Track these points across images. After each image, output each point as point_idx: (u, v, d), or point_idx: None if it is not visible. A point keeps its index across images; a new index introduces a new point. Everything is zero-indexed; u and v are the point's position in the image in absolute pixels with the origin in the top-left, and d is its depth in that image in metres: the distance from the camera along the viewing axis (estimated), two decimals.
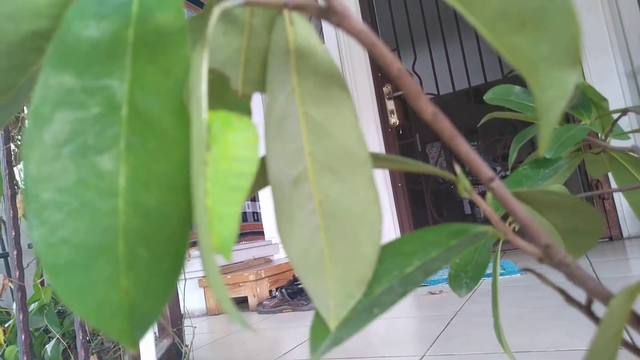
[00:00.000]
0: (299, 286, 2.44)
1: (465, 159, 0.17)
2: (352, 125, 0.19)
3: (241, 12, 0.20)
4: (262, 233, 3.46)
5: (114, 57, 0.15)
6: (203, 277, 2.59)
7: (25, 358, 1.27)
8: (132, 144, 0.15)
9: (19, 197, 1.46)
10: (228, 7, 0.16)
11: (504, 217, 0.28)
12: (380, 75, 3.31)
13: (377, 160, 0.22)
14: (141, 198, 0.15)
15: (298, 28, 0.18)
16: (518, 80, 3.57)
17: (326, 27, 3.32)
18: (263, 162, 0.22)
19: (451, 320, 1.52)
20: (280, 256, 3.23)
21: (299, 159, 0.19)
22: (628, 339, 0.95)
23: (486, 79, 3.74)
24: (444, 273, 2.53)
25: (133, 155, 0.15)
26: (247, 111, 0.22)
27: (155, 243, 0.15)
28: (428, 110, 0.16)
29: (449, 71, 3.67)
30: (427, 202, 3.63)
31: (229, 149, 0.15)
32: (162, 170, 0.15)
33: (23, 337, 1.27)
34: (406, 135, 3.90)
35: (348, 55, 3.30)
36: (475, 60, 3.69)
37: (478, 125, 0.69)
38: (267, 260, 3.08)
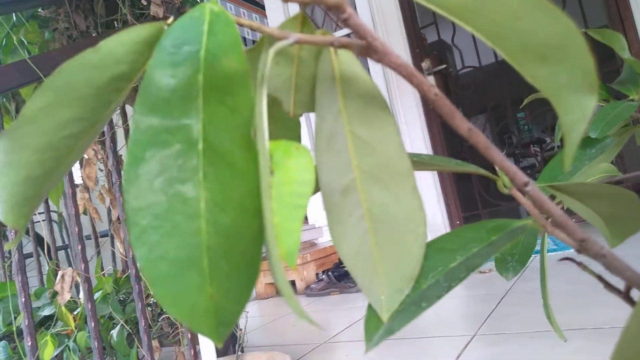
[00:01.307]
0: (345, 269, 2.48)
1: (501, 167, 0.19)
2: (394, 140, 0.21)
3: (291, 47, 0.22)
4: (305, 217, 3.51)
5: (189, 100, 0.18)
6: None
7: (96, 343, 1.38)
8: (208, 174, 0.18)
9: (78, 195, 1.57)
10: (281, 47, 0.18)
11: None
12: (419, 50, 3.25)
13: (419, 164, 0.24)
14: (219, 219, 0.17)
15: (342, 58, 0.21)
16: None
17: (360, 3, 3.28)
18: (314, 171, 0.24)
19: (502, 298, 1.52)
20: (324, 239, 3.28)
21: (347, 171, 0.22)
22: None
23: None
24: None
25: (210, 183, 0.18)
26: (297, 125, 0.25)
27: (233, 256, 0.17)
28: (464, 126, 0.18)
29: None
30: (473, 178, 3.56)
31: (289, 173, 0.17)
32: (235, 195, 0.18)
33: (93, 324, 1.38)
34: None
35: (383, 32, 3.25)
36: None
37: (520, 107, 0.69)
38: (311, 244, 3.14)
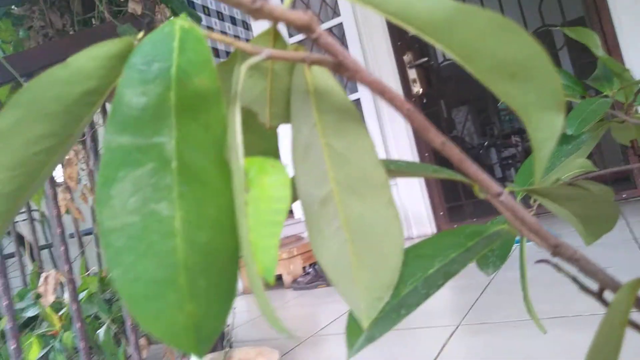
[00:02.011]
0: None
1: (475, 179, 0.19)
2: (369, 153, 0.21)
3: (265, 60, 0.22)
4: (291, 212, 3.52)
5: (161, 118, 0.18)
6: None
7: (82, 344, 1.36)
8: (183, 193, 0.17)
9: (60, 196, 1.54)
10: (253, 62, 0.18)
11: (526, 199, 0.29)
12: (400, 43, 3.25)
13: (396, 172, 0.24)
14: (195, 237, 0.17)
15: (316, 72, 0.21)
16: (552, 34, 3.43)
17: (341, 1, 3.27)
18: (292, 181, 0.24)
19: (485, 288, 1.54)
20: None
21: (325, 182, 0.22)
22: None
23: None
24: None
25: (185, 201, 0.17)
26: (275, 137, 0.25)
27: (211, 274, 0.17)
28: (437, 140, 0.18)
29: None
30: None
31: (265, 190, 0.17)
32: (211, 213, 0.18)
33: (78, 325, 1.36)
34: (430, 103, 3.84)
35: (365, 26, 3.24)
36: (515, 12, 3.50)
37: (498, 105, 0.70)
38: (298, 238, 3.14)
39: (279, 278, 2.83)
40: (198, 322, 0.18)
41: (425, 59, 3.35)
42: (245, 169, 0.17)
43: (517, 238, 0.50)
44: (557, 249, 0.21)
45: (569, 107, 0.57)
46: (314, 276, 2.46)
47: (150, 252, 0.17)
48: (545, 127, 0.15)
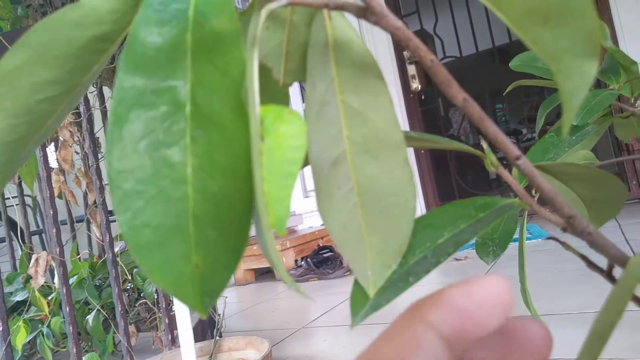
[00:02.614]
0: (324, 255, 2.49)
1: (493, 139, 0.19)
2: (387, 110, 0.20)
3: (283, 9, 0.21)
4: None
5: (176, 60, 0.17)
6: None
7: (71, 328, 1.35)
8: (196, 138, 0.17)
9: (54, 178, 1.53)
10: (273, 8, 0.17)
11: (528, 188, 0.29)
12: None
13: (408, 140, 0.24)
14: (207, 185, 0.17)
15: (336, 23, 0.20)
16: None
17: None
18: (306, 137, 0.24)
19: None
20: (304, 226, 3.28)
21: (338, 142, 0.21)
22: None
23: (511, 38, 3.61)
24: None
25: (197, 147, 0.17)
26: (286, 97, 0.24)
27: (221, 224, 0.17)
28: (459, 96, 0.17)
29: (472, 31, 3.54)
30: (451, 167, 3.60)
31: (280, 139, 0.17)
32: (224, 160, 0.17)
33: (68, 309, 1.35)
34: (428, 100, 3.83)
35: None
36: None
37: (504, 94, 0.69)
38: (291, 231, 3.13)
39: (271, 270, 2.83)
40: (204, 274, 0.17)
41: None
42: (261, 117, 0.17)
43: (515, 236, 0.50)
44: (571, 220, 0.21)
45: None
46: (306, 269, 2.46)
47: (159, 197, 0.16)
48: (577, 74, 0.15)
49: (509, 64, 0.64)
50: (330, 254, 2.49)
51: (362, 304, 0.23)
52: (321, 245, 2.68)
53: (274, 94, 0.24)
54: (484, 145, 0.27)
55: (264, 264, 2.66)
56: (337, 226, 0.22)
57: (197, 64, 0.17)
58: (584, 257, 0.25)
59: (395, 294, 0.22)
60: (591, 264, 0.25)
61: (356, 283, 0.23)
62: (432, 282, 1.80)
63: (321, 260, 2.46)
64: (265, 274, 2.85)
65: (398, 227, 0.21)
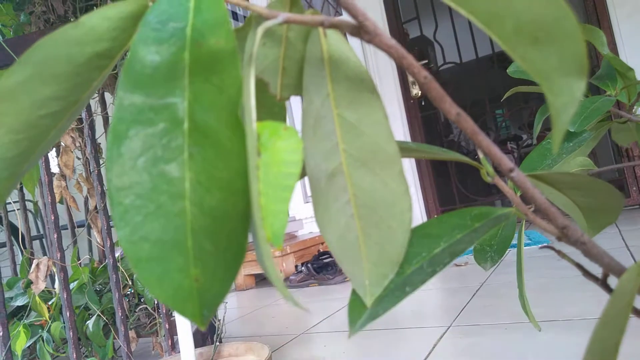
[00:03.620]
0: (325, 261, 2.49)
1: (487, 152, 0.19)
2: (382, 124, 0.21)
3: (279, 27, 0.22)
4: None
5: (174, 78, 0.17)
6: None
7: (71, 333, 1.35)
8: (194, 154, 0.17)
9: (55, 183, 1.53)
10: (269, 25, 0.18)
11: (524, 197, 0.29)
12: (401, 45, 3.25)
13: (405, 151, 0.24)
14: (205, 200, 0.17)
15: (331, 40, 0.20)
16: None
17: None
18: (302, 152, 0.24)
19: (476, 291, 1.55)
20: (304, 232, 3.28)
21: (334, 155, 0.22)
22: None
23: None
24: None
25: (195, 163, 0.17)
26: (283, 111, 0.24)
27: (219, 238, 0.17)
28: (452, 110, 0.18)
29: (472, 37, 3.56)
30: (451, 173, 3.61)
31: (277, 154, 0.17)
32: (222, 176, 0.17)
33: (68, 314, 1.35)
34: (428, 106, 3.84)
35: None
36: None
37: (502, 100, 0.70)
38: (291, 237, 3.13)
39: None
40: (202, 287, 0.17)
41: (425, 61, 3.36)
42: (257, 133, 0.17)
43: (514, 242, 0.50)
44: (565, 230, 0.21)
45: None
46: (306, 275, 2.46)
47: (158, 212, 0.17)
48: (566, 91, 0.15)
49: (507, 71, 0.65)
50: (330, 259, 2.49)
51: (359, 313, 0.23)
52: (321, 250, 2.68)
53: (271, 108, 0.24)
54: (480, 155, 0.28)
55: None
56: (335, 237, 0.23)
57: (195, 82, 0.17)
58: (579, 266, 0.25)
59: (392, 304, 0.22)
60: (587, 273, 0.25)
61: (354, 292, 0.23)
62: (433, 287, 1.80)
63: (321, 265, 2.46)
64: (265, 280, 2.85)
65: (394, 238, 0.22)
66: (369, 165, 0.21)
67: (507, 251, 0.52)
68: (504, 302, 1.37)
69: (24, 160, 0.23)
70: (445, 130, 4.59)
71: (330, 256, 2.52)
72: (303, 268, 2.49)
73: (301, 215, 3.35)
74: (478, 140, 0.18)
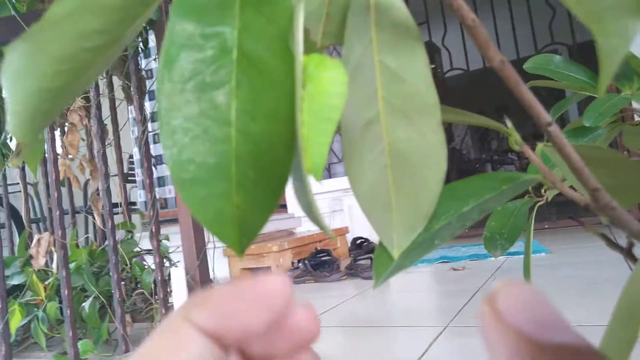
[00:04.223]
0: (322, 258, 2.49)
1: (528, 105, 0.19)
2: (424, 73, 0.21)
3: None
4: (284, 206, 3.51)
5: (225, 7, 0.18)
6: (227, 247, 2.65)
7: (69, 311, 1.35)
8: (241, 82, 0.17)
9: (60, 161, 1.53)
10: None
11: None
12: None
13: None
14: (250, 128, 0.17)
15: None
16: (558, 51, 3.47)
17: None
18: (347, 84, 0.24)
19: (474, 294, 1.55)
20: (302, 229, 3.28)
21: (372, 103, 0.22)
22: None
23: (519, 55, 3.63)
24: (467, 251, 2.54)
25: (242, 91, 0.17)
26: None
27: (262, 166, 0.17)
28: (497, 57, 0.18)
29: None
30: (452, 178, 3.61)
31: (322, 85, 0.17)
32: (268, 105, 0.17)
33: (66, 292, 1.35)
34: None
35: None
36: (507, 35, 3.58)
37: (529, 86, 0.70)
38: (289, 233, 3.13)
39: (268, 269, 2.81)
40: (243, 214, 0.17)
41: (432, 66, 3.37)
42: (304, 64, 0.17)
43: (514, 250, 0.50)
44: (596, 193, 0.21)
45: (588, 101, 0.57)
46: (303, 271, 2.46)
47: (204, 136, 0.17)
48: (618, 33, 0.15)
49: (524, 66, 0.65)
50: (327, 257, 2.49)
51: (385, 265, 0.23)
52: (319, 248, 2.68)
53: None
54: (509, 123, 0.28)
55: (261, 263, 2.65)
56: (365, 188, 0.23)
57: (245, 11, 0.18)
58: (603, 236, 0.25)
59: (420, 256, 0.22)
60: (611, 242, 0.25)
61: (380, 246, 0.24)
62: (430, 289, 1.80)
63: (318, 263, 2.46)
64: None
65: (427, 189, 0.22)
66: (408, 115, 0.21)
67: (503, 259, 0.52)
68: None
69: (63, 93, 0.23)
70: (447, 139, 4.60)
71: (328, 254, 2.52)
72: (300, 265, 2.49)
73: (300, 213, 3.35)
74: (520, 91, 0.19)
